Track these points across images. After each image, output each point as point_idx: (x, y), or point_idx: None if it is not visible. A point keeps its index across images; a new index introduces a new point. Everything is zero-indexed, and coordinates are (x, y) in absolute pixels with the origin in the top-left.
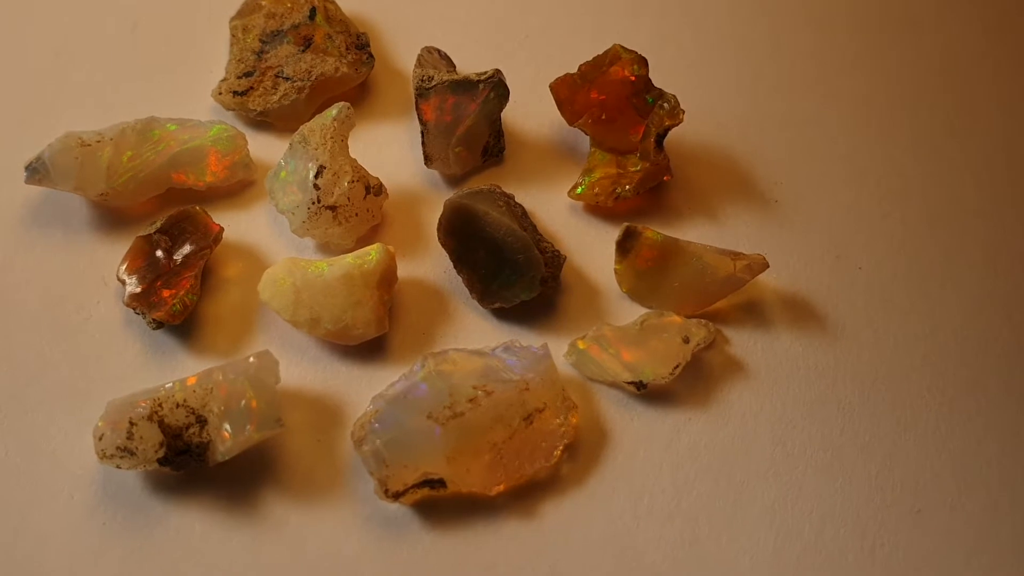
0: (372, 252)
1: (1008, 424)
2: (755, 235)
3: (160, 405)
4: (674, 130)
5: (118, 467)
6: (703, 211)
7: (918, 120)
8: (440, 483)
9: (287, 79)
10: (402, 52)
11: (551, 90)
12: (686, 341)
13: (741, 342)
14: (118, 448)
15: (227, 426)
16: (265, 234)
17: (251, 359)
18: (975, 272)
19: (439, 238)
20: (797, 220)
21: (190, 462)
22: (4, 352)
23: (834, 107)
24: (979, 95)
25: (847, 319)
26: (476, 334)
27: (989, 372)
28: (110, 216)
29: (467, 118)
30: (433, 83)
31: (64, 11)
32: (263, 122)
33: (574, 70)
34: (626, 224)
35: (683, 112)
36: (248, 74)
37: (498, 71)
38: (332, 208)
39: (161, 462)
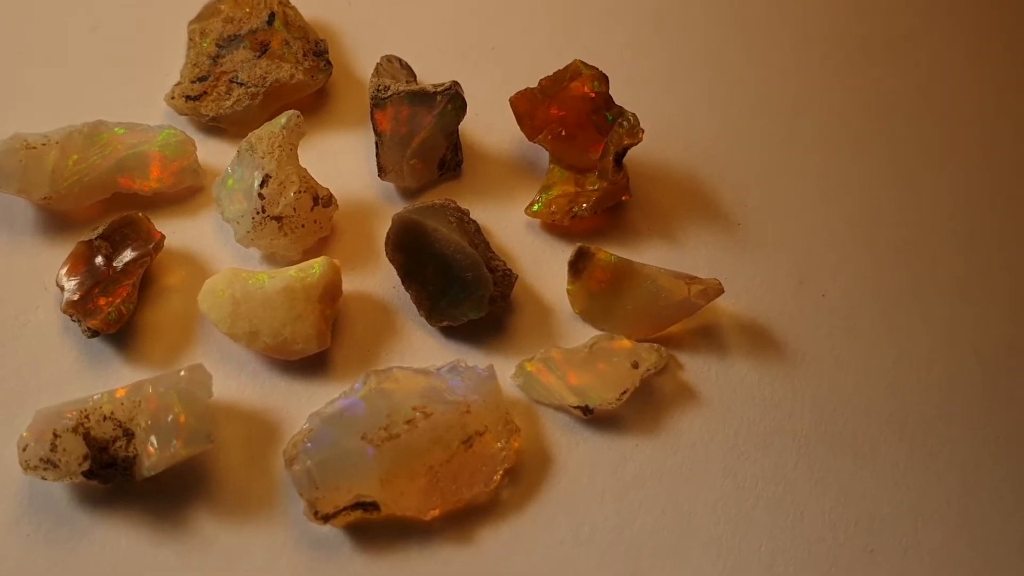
0: (316, 265)
1: (969, 460)
2: (716, 258)
3: (87, 417)
4: (638, 149)
5: (43, 478)
6: (663, 232)
7: (892, 144)
8: (373, 506)
9: (241, 84)
10: (363, 60)
11: (511, 104)
12: (635, 366)
13: (695, 368)
14: (41, 460)
15: (153, 440)
16: (210, 242)
17: (182, 372)
18: (943, 303)
19: (387, 253)
20: (760, 243)
21: (116, 476)
22: None
23: (806, 128)
24: (958, 120)
25: (807, 347)
26: (423, 352)
27: (953, 406)
28: (54, 220)
29: (423, 130)
30: (389, 93)
31: (27, 9)
32: (216, 127)
33: (538, 80)
34: (579, 244)
35: (643, 131)
36: (202, 79)
37: (455, 83)
38: (277, 219)
39: (86, 475)
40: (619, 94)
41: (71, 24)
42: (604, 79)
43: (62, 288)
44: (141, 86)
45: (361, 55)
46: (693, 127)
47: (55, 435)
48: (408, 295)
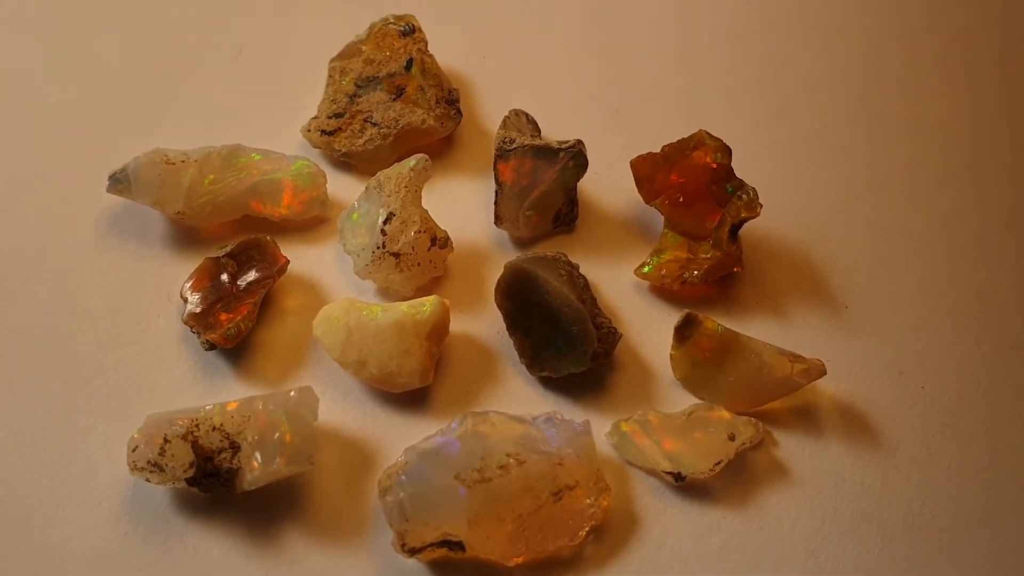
0: (427, 304)
1: None
2: (820, 339)
3: (197, 426)
4: (754, 223)
5: (147, 480)
6: (770, 308)
7: (1005, 245)
8: (459, 546)
9: (375, 125)
10: (492, 112)
11: (631, 166)
12: (732, 439)
13: (789, 446)
14: (149, 462)
15: (258, 456)
16: (330, 271)
17: (292, 393)
18: None
19: (496, 299)
20: (866, 329)
21: (217, 485)
22: (62, 351)
23: (921, 221)
24: None
25: (902, 438)
26: (520, 400)
27: None
28: (184, 234)
29: (543, 183)
30: (514, 146)
31: (178, 30)
32: (346, 163)
33: (660, 144)
34: (687, 311)
35: (760, 206)
36: (339, 115)
37: (579, 141)
38: (396, 255)
39: (189, 482)
40: (740, 167)
41: (218, 48)
42: (727, 151)
43: (185, 300)
44: (279, 115)
45: (491, 107)
46: (810, 207)
47: (165, 440)
48: (512, 342)
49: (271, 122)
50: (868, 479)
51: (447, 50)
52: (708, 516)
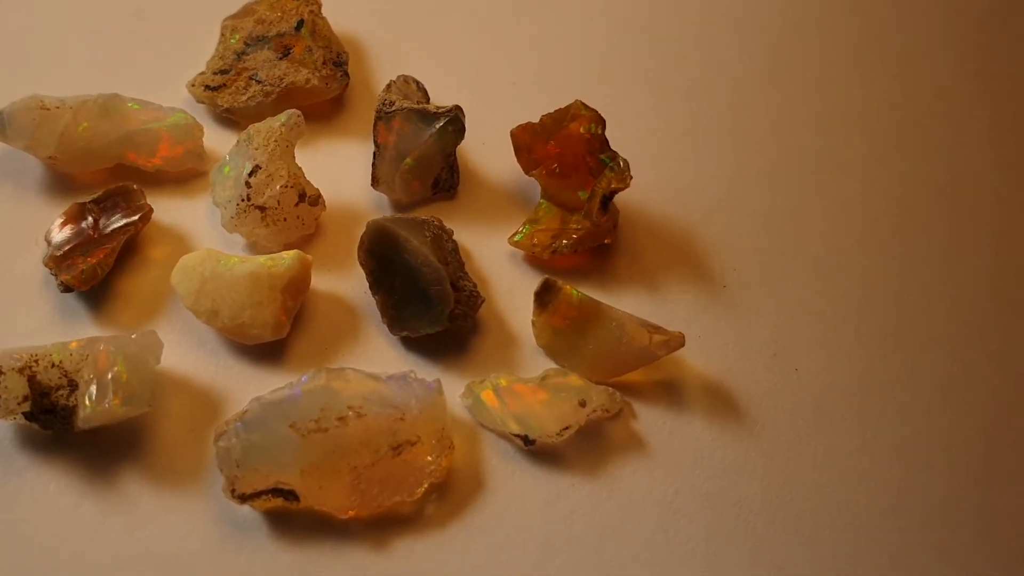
0: (287, 257)
1: (920, 561)
2: (693, 316)
3: (36, 361)
4: (637, 197)
5: None
6: (645, 281)
7: (893, 229)
8: (292, 495)
9: (259, 82)
10: (384, 78)
11: (511, 136)
12: (582, 404)
13: (649, 419)
14: None
15: (92, 392)
16: (200, 224)
17: (134, 336)
18: (919, 401)
19: (359, 256)
20: (742, 309)
21: (55, 423)
22: None
23: (812, 208)
24: (975, 214)
25: (769, 418)
26: (380, 359)
27: (912, 504)
28: (59, 182)
29: (419, 146)
30: (393, 108)
31: None
32: (229, 119)
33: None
34: (546, 277)
35: (631, 177)
36: (224, 71)
37: (457, 107)
38: (261, 208)
39: (27, 416)
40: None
41: (117, 4)
42: (601, 121)
43: (49, 243)
44: (169, 71)
45: (383, 73)
46: (699, 187)
47: (0, 372)
48: (375, 302)
49: (159, 77)
50: (729, 457)
51: (342, 14)
52: (557, 483)
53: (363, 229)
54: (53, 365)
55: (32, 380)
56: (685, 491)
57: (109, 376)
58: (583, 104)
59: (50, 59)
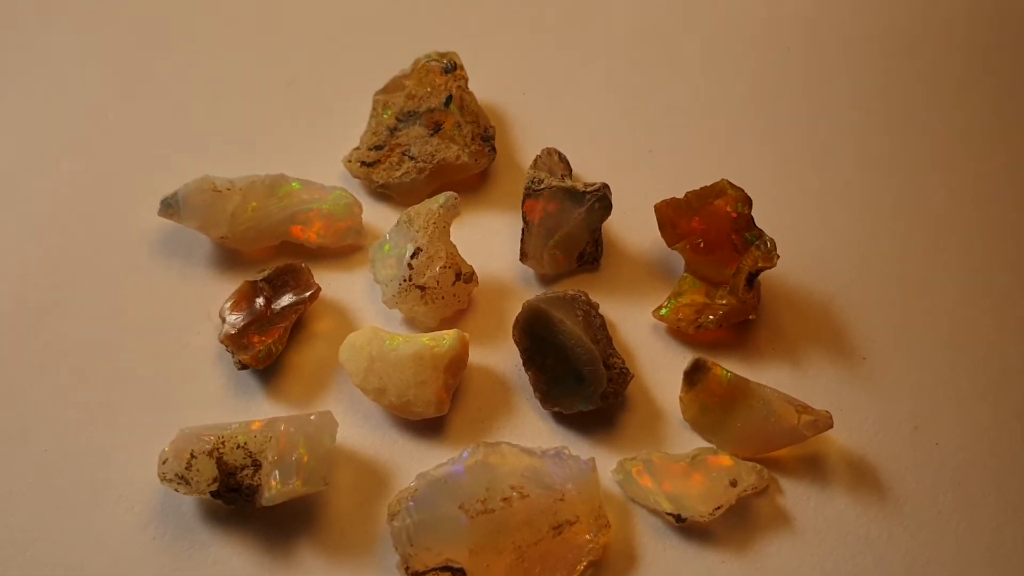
0: (447, 337)
1: None
2: (834, 389)
3: (223, 443)
4: (777, 271)
5: (175, 490)
6: (785, 355)
7: None
8: (460, 572)
9: (412, 158)
10: (527, 149)
11: (655, 210)
12: (733, 484)
13: (795, 495)
14: (176, 475)
15: (277, 474)
16: (359, 298)
17: (313, 417)
18: None
19: (513, 335)
20: (882, 382)
21: (239, 500)
22: (105, 360)
23: (945, 276)
24: None
25: (911, 494)
26: (532, 433)
27: None
28: (227, 257)
29: (568, 224)
30: (542, 186)
31: (231, 58)
32: (383, 194)
33: (688, 187)
34: (696, 357)
35: (778, 256)
36: (379, 147)
37: (605, 185)
38: (421, 288)
39: (213, 495)
40: (762, 214)
41: (270, 78)
42: (748, 201)
43: (223, 320)
44: (324, 145)
45: (526, 143)
46: (833, 258)
47: (192, 455)
48: (527, 377)
49: (316, 152)
50: (873, 533)
51: (486, 85)
52: (707, 559)
53: (512, 301)
54: (239, 446)
55: (220, 461)
56: (831, 568)
57: (292, 458)
58: (730, 183)
59: (207, 134)
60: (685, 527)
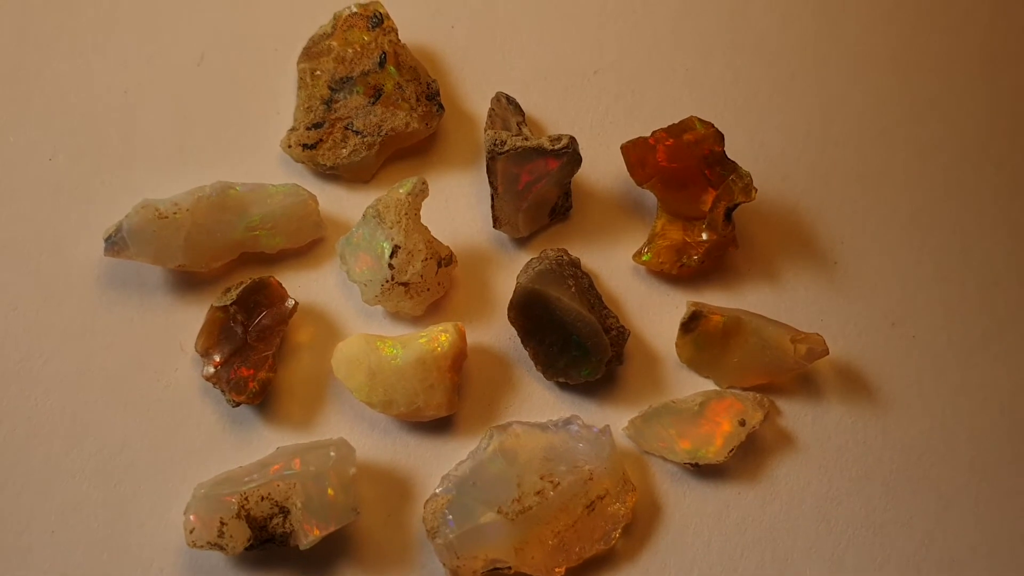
0: (444, 336)
1: None
2: (813, 299)
3: (246, 499)
4: None
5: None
6: (763, 274)
7: (988, 178)
8: (506, 568)
9: (357, 133)
10: (472, 93)
11: (622, 151)
12: (742, 424)
13: (792, 413)
14: (209, 543)
15: (313, 521)
16: (335, 297)
17: (331, 453)
18: None
19: (509, 317)
20: (856, 284)
21: (274, 547)
22: (89, 422)
23: (902, 159)
24: None
25: (898, 390)
26: (539, 405)
27: None
28: (183, 279)
29: (538, 184)
30: (505, 148)
31: (132, 46)
32: (333, 175)
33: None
34: (693, 308)
35: (755, 190)
36: (317, 125)
37: (572, 139)
38: (405, 284)
39: (248, 549)
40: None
41: (176, 58)
42: (720, 138)
43: (202, 355)
44: (254, 129)
45: (469, 88)
46: (791, 159)
47: (222, 523)
48: (527, 351)
49: (248, 140)
50: (869, 437)
51: (410, 25)
52: (724, 495)
53: (492, 270)
54: (263, 499)
55: (248, 518)
56: (837, 478)
57: (321, 499)
58: (698, 120)
59: (119, 136)
60: (700, 468)
